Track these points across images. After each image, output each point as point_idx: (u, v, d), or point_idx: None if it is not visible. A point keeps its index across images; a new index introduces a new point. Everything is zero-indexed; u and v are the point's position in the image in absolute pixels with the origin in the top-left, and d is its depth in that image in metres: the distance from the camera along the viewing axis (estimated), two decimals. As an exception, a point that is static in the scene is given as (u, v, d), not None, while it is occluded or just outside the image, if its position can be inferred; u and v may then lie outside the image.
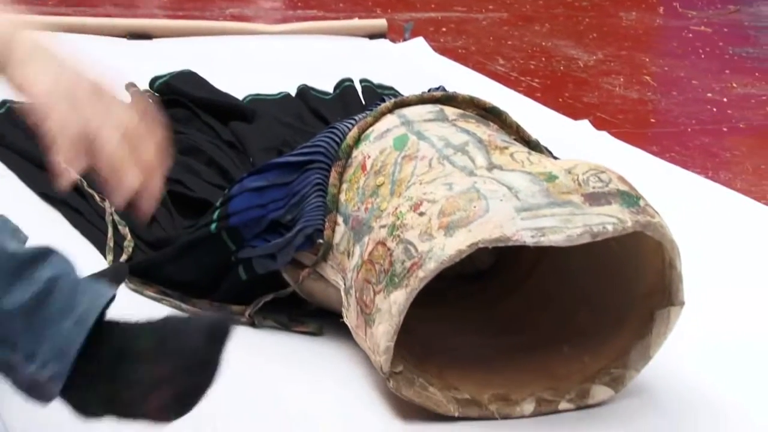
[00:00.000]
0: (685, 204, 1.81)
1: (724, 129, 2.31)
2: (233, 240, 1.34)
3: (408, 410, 1.18)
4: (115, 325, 0.98)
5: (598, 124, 2.22)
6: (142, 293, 1.39)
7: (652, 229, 1.16)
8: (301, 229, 1.29)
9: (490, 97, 1.44)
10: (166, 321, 0.99)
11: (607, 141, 2.12)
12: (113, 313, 1.35)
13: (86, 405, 0.97)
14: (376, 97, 1.77)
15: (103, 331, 0.96)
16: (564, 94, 2.45)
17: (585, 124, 2.21)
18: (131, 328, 0.98)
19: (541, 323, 1.32)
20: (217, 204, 1.36)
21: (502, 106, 1.41)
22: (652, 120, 2.36)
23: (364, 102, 1.91)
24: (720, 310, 1.46)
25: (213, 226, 1.35)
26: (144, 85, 1.89)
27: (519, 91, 2.40)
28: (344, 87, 1.95)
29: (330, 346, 1.32)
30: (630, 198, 1.17)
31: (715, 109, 2.42)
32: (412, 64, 2.34)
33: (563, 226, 1.13)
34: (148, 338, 0.96)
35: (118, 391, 0.95)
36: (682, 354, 1.31)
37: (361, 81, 1.99)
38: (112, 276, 1.32)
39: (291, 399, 1.21)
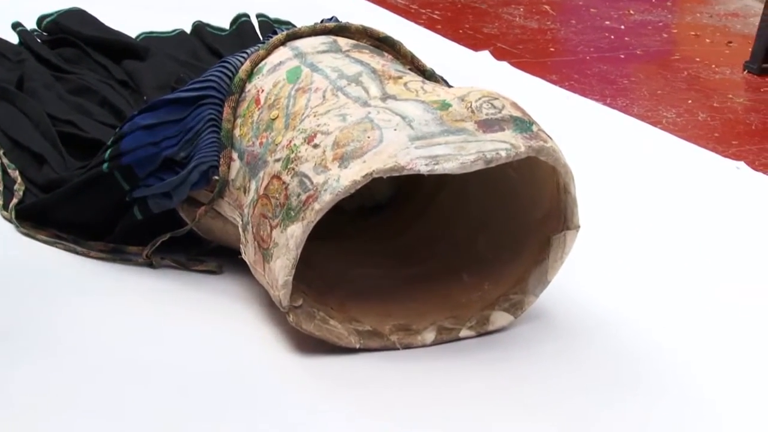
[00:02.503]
0: (583, 131, 1.83)
1: (622, 56, 2.33)
2: (127, 179, 1.31)
3: (309, 344, 1.18)
4: None
5: (499, 55, 2.23)
6: (34, 237, 1.36)
7: (546, 153, 1.16)
8: (195, 165, 1.27)
9: (391, 30, 1.43)
10: None
11: (508, 71, 2.13)
12: (3, 258, 1.32)
13: None
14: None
15: None
16: (464, 26, 2.45)
17: (485, 55, 2.22)
18: None
19: (441, 252, 1.32)
20: (109, 143, 1.33)
21: (404, 39, 1.39)
22: (552, 49, 2.37)
23: (261, 38, 1.88)
24: (616, 233, 1.48)
25: (105, 165, 1.32)
26: (31, 24, 1.83)
27: (420, 24, 2.39)
28: (240, 23, 1.92)
29: (230, 284, 1.31)
30: (523, 123, 1.17)
31: (612, 37, 2.44)
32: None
33: (457, 154, 1.13)
34: None
35: None
36: (578, 278, 1.32)
37: (258, 16, 1.96)
38: None
39: (190, 339, 1.20)
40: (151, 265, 1.33)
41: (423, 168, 1.12)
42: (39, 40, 1.78)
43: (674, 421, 1.10)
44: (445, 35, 2.32)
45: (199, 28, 1.91)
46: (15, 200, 1.40)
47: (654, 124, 1.91)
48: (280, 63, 1.30)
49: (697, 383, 1.16)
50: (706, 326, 1.27)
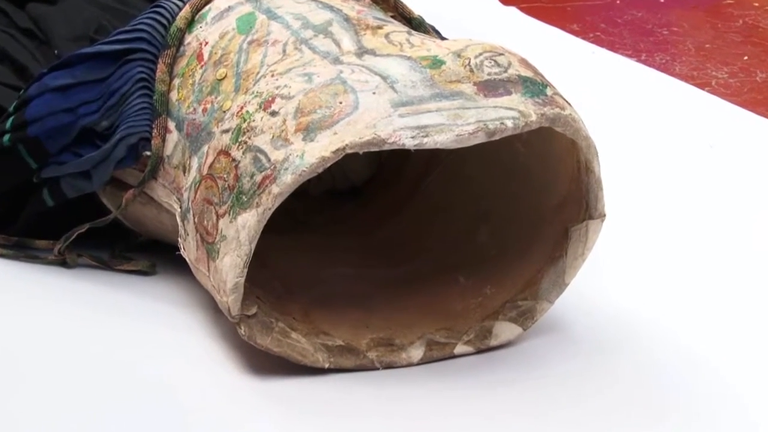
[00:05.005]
0: (611, 94, 1.85)
1: (661, 0, 2.35)
2: (34, 155, 1.33)
3: (266, 363, 1.20)
4: None
5: (506, -2, 2.25)
6: None
7: (563, 123, 1.18)
8: (121, 138, 1.29)
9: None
10: None
11: (517, 19, 2.16)
12: None
13: None
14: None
15: None
16: (462, -39, 2.46)
17: (490, -2, 2.24)
18: None
19: (431, 248, 1.34)
20: (11, 109, 1.35)
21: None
22: (573, -10, 2.39)
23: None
24: (651, 224, 1.50)
25: (6, 137, 1.34)
26: None
27: (405, -41, 2.40)
28: (178, -44, 1.93)
29: (165, 287, 1.33)
30: (534, 85, 1.19)
31: (649, -25, 2.46)
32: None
33: (451, 123, 1.15)
34: None
35: None
36: (603, 280, 1.34)
37: (200, -53, 1.97)
38: None
39: (115, 355, 1.22)
40: (64, 263, 1.35)
41: (409, 142, 1.14)
42: None
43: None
44: (439, -26, 2.33)
45: (126, -38, 1.92)
46: None
47: (701, 86, 1.93)
48: (229, 8, 1.32)
49: (748, 411, 1.18)
50: (764, 340, 1.28)
